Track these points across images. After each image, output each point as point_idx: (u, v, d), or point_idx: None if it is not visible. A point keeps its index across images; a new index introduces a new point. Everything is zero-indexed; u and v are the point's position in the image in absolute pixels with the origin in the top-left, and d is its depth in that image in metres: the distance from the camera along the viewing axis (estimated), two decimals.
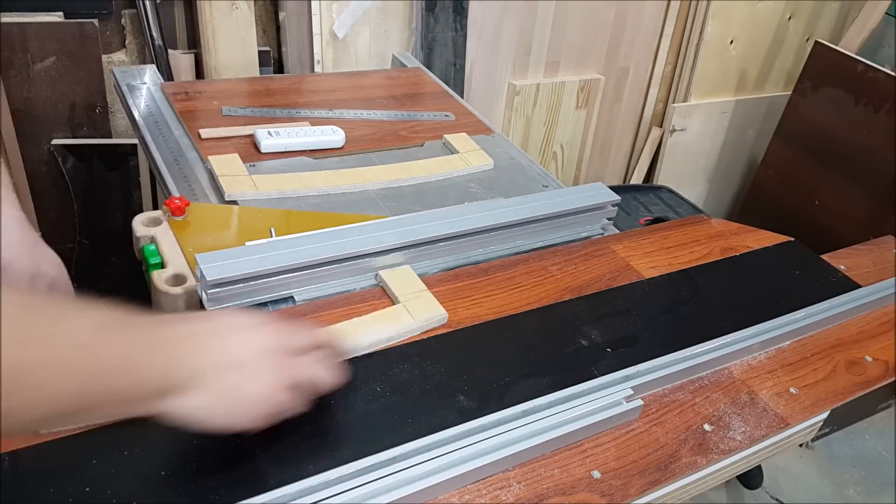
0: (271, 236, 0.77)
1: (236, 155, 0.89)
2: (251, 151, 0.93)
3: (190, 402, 0.46)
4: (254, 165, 0.90)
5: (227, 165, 0.87)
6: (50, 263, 0.65)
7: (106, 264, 1.44)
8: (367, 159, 0.97)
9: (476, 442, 0.54)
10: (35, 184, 1.33)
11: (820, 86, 1.73)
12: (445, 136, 1.04)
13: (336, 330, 0.64)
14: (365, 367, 0.61)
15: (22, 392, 0.39)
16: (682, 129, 1.96)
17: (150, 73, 1.10)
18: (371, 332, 0.65)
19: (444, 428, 0.54)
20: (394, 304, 0.70)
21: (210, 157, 0.88)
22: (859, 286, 0.81)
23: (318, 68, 1.42)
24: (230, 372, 0.47)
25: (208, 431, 0.48)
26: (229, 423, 0.48)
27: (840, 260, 0.87)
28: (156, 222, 0.75)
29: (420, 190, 0.92)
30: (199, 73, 1.35)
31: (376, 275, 0.74)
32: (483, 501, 0.52)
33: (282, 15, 1.40)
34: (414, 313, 0.68)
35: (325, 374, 0.53)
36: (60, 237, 1.39)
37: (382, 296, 0.72)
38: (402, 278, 0.74)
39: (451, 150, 1.02)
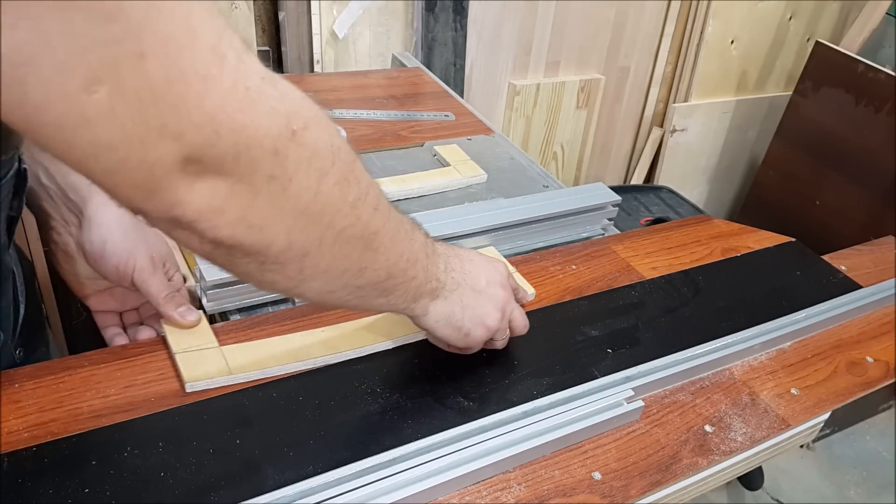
0: None
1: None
2: None
3: (436, 308, 0.55)
4: None
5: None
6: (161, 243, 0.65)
7: None
8: (368, 160, 0.97)
9: (477, 443, 0.54)
10: None
11: (821, 86, 1.73)
12: (435, 147, 1.01)
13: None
14: (364, 367, 0.61)
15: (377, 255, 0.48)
16: (682, 130, 1.95)
17: None
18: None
19: (445, 429, 0.54)
20: None
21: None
22: (860, 287, 0.81)
23: (317, 68, 1.42)
24: (472, 292, 0.57)
25: (438, 344, 0.61)
26: (455, 334, 0.57)
27: (841, 260, 0.87)
28: None
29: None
30: None
31: None
32: (483, 502, 0.52)
33: (281, 15, 1.40)
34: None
35: (522, 318, 0.64)
36: None
37: None
38: None
39: (442, 163, 0.99)
